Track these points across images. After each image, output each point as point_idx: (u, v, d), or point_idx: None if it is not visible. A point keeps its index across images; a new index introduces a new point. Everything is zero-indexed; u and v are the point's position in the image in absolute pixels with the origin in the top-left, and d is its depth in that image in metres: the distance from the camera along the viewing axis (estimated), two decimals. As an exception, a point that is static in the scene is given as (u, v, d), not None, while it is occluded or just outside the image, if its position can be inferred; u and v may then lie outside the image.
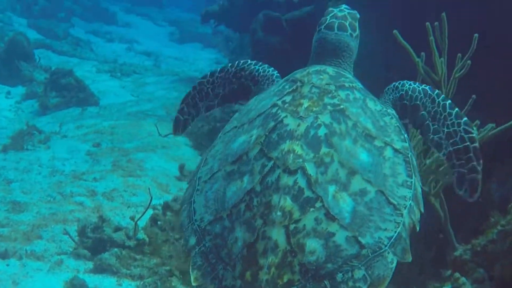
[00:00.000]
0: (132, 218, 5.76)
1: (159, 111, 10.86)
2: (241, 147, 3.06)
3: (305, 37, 9.53)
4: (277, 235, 2.71)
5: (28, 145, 8.50)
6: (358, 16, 3.61)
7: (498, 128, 4.34)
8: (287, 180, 2.80)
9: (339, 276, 2.70)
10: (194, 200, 3.12)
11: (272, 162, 2.85)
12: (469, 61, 4.44)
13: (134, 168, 7.63)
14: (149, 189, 5.97)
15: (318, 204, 2.73)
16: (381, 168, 3.00)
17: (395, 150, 3.08)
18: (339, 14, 3.58)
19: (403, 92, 3.43)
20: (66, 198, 6.86)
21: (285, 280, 2.65)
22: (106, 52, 18.76)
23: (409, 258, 2.81)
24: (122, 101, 12.14)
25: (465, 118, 3.26)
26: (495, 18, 6.36)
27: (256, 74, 3.77)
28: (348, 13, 3.60)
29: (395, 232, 2.81)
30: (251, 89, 3.76)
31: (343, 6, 3.65)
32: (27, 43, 13.83)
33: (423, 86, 3.40)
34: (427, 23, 4.33)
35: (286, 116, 3.01)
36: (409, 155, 3.11)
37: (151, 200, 5.61)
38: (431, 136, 3.40)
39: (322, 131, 2.93)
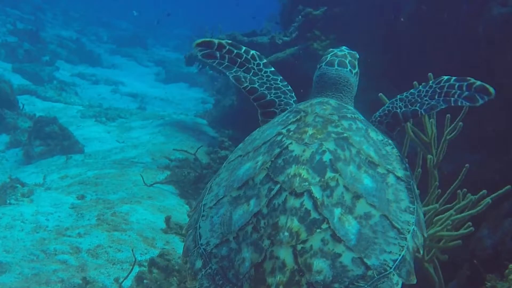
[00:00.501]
0: (116, 280, 5.59)
1: (145, 157, 10.70)
2: (246, 173, 3.16)
3: (289, 80, 9.42)
4: (285, 254, 2.76)
5: (11, 199, 8.30)
6: (357, 56, 3.84)
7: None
8: (293, 202, 2.87)
9: None
10: (199, 225, 3.17)
11: (278, 185, 2.94)
12: (461, 123, 4.38)
13: (119, 221, 7.44)
14: (132, 250, 5.81)
15: (324, 226, 2.82)
16: (385, 194, 3.07)
17: (398, 178, 3.20)
18: (339, 53, 3.80)
19: (383, 113, 3.63)
20: (50, 256, 6.65)
21: None
22: (92, 95, 18.67)
23: (413, 280, 2.85)
24: (107, 147, 11.99)
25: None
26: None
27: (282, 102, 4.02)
28: (348, 52, 3.83)
29: (400, 255, 2.86)
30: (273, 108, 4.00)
31: (343, 47, 3.90)
32: (11, 90, 13.70)
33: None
34: (430, 74, 4.26)
35: (291, 143, 3.14)
36: (411, 183, 3.24)
37: (134, 263, 5.44)
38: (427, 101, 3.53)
39: (327, 157, 3.05)
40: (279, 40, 12.15)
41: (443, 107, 3.50)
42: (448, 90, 3.48)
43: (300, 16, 11.53)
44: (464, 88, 3.42)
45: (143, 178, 8.58)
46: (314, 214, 2.86)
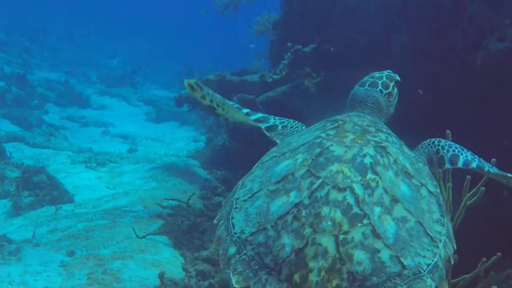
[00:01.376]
0: None
1: (137, 206, 10.32)
2: (285, 169, 3.31)
3: None
4: (327, 242, 2.85)
5: (-3, 258, 7.90)
6: (396, 77, 4.14)
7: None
8: (336, 195, 3.01)
9: None
10: (232, 216, 3.25)
11: (321, 180, 3.10)
12: (483, 188, 4.12)
13: (110, 280, 7.07)
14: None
15: (365, 221, 2.95)
16: (419, 203, 3.19)
17: (430, 192, 3.35)
18: (377, 75, 4.13)
19: (441, 146, 3.79)
20: (38, 321, 6.27)
21: (334, 284, 2.77)
22: (82, 138, 18.30)
23: (445, 285, 2.92)
24: (97, 195, 11.61)
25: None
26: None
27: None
28: (386, 75, 4.14)
29: (433, 261, 2.95)
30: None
31: (386, 71, 4.19)
32: (-2, 140, 13.39)
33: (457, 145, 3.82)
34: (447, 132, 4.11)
35: (332, 145, 3.34)
36: (440, 199, 3.38)
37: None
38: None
39: (368, 160, 3.23)
40: (269, 79, 11.90)
41: (492, 171, 3.71)
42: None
43: (289, 53, 11.27)
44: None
45: (134, 231, 8.20)
46: (356, 209, 2.99)
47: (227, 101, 4.15)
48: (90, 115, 21.93)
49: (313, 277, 2.80)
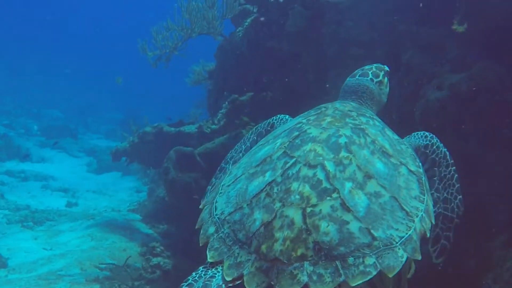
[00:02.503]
0: None
1: (73, 269, 9.66)
2: (265, 153, 3.42)
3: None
4: (294, 214, 2.89)
5: None
6: (386, 68, 4.25)
7: None
8: (307, 171, 3.06)
9: (350, 259, 2.77)
10: (216, 201, 3.34)
11: (294, 159, 3.17)
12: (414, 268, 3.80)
13: None
14: None
15: (335, 195, 2.97)
16: (396, 180, 3.19)
17: (410, 171, 3.34)
18: (367, 67, 4.21)
19: (430, 144, 3.86)
20: None
21: (298, 253, 2.78)
22: (21, 194, 17.40)
23: (418, 256, 2.92)
24: (33, 258, 10.85)
25: (460, 196, 3.75)
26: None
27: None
28: (375, 66, 4.24)
29: (407, 233, 2.93)
30: None
31: (376, 63, 4.30)
32: None
33: (446, 149, 3.84)
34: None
35: (309, 128, 3.43)
36: (423, 178, 3.38)
37: None
38: (433, 191, 3.69)
39: (342, 140, 3.28)
40: (207, 129, 11.48)
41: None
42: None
43: (226, 103, 10.89)
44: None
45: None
46: (325, 184, 3.02)
47: None
48: (30, 168, 20.99)
49: (277, 246, 2.84)
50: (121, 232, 11.85)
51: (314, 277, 2.75)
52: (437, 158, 3.83)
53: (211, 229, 3.17)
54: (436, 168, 3.81)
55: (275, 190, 3.07)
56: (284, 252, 2.83)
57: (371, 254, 2.81)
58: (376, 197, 3.04)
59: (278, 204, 2.99)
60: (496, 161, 5.96)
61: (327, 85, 7.76)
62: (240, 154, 4.44)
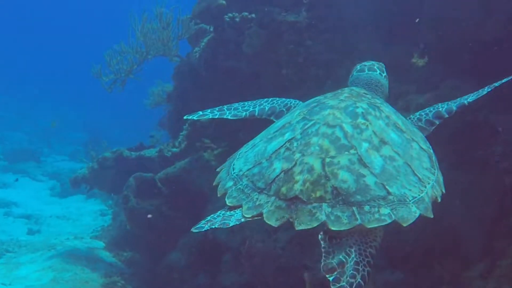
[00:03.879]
0: None
1: (32, 308, 8.92)
2: (283, 121, 3.50)
3: (185, 198, 7.78)
4: (314, 162, 3.00)
5: None
6: (383, 65, 4.29)
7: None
8: (326, 129, 3.16)
9: (366, 207, 2.85)
10: (233, 163, 3.43)
11: (313, 121, 3.26)
12: None
13: None
14: None
15: (352, 151, 3.06)
16: (409, 151, 3.23)
17: (421, 148, 3.40)
18: (367, 63, 4.22)
19: (431, 108, 4.00)
20: None
21: (317, 195, 2.88)
22: (-19, 224, 16.51)
23: (431, 215, 2.98)
24: (-10, 298, 10.09)
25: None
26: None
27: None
28: (375, 62, 4.26)
29: (419, 195, 2.99)
30: None
31: (371, 61, 4.28)
32: None
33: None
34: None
35: (327, 100, 3.49)
36: (433, 157, 3.45)
37: None
38: None
39: (359, 110, 3.34)
40: (167, 153, 10.90)
41: (440, 119, 3.89)
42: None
43: (187, 125, 10.31)
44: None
45: None
46: (344, 141, 3.10)
47: None
48: (-9, 195, 20.07)
49: (297, 187, 2.91)
50: (83, 263, 11.12)
51: (332, 217, 2.82)
52: (439, 108, 4.01)
53: (229, 183, 3.23)
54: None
55: (295, 144, 3.15)
56: (304, 192, 2.89)
57: (386, 205, 2.88)
58: (391, 160, 3.09)
59: (298, 155, 3.06)
60: (470, 185, 5.54)
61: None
62: None
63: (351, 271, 2.77)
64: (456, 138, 5.49)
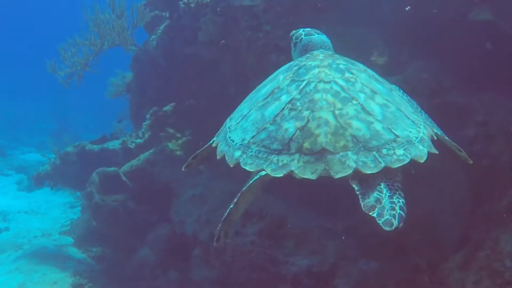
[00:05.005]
0: None
1: (-2, 316, 8.42)
2: (270, 88, 3.47)
3: (151, 191, 7.38)
4: (326, 115, 3.03)
5: None
6: None
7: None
8: (324, 85, 3.23)
9: (384, 151, 2.96)
10: (229, 136, 3.33)
11: (306, 81, 3.30)
12: None
13: None
14: None
15: (354, 102, 3.16)
16: (395, 98, 3.42)
17: (399, 95, 3.62)
18: (305, 29, 4.16)
19: None
20: None
21: (341, 144, 2.93)
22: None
23: (435, 150, 3.15)
24: (-43, 304, 9.55)
25: None
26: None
27: None
28: (306, 28, 4.22)
29: (419, 135, 3.14)
30: None
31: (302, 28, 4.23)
32: None
33: None
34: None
35: (308, 61, 3.52)
36: (412, 101, 3.71)
37: None
38: None
39: (342, 65, 3.44)
40: (131, 144, 10.39)
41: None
42: None
43: (149, 115, 9.80)
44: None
45: None
46: (343, 94, 3.18)
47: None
48: (-45, 194, 19.30)
49: (321, 139, 2.93)
50: (51, 262, 10.61)
51: (360, 163, 2.88)
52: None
53: (237, 153, 3.14)
54: None
55: (298, 104, 3.14)
56: (329, 143, 2.92)
57: (398, 147, 2.98)
58: (386, 107, 3.20)
59: (306, 112, 3.07)
60: (444, 170, 5.21)
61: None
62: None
63: (389, 205, 2.86)
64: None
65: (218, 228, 3.27)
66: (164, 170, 9.21)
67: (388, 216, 2.81)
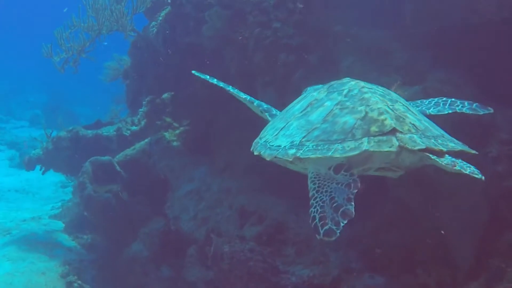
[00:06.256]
0: None
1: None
2: (305, 103, 3.53)
3: (145, 183, 7.08)
4: (384, 106, 3.18)
5: None
6: None
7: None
8: (368, 89, 3.37)
9: (439, 140, 3.10)
10: (270, 145, 3.41)
11: (347, 89, 3.40)
12: None
13: None
14: None
15: (399, 103, 3.33)
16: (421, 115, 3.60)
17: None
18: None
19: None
20: None
21: (406, 128, 3.08)
22: None
23: (472, 150, 3.29)
24: None
25: None
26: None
27: None
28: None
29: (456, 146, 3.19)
30: None
31: None
32: None
33: None
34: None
35: (334, 82, 3.70)
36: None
37: None
38: None
39: (367, 83, 3.59)
40: (126, 131, 9.95)
41: (449, 112, 3.91)
42: (453, 101, 3.98)
43: (146, 101, 9.35)
44: (466, 104, 3.97)
45: None
46: (388, 97, 3.35)
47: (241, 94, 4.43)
48: None
49: (389, 121, 3.04)
50: (40, 249, 10.17)
51: (431, 144, 3.00)
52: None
53: (291, 151, 3.14)
54: None
55: (348, 103, 3.21)
56: (397, 125, 3.02)
57: (448, 141, 3.12)
58: (419, 115, 3.39)
59: (362, 107, 3.13)
60: (459, 188, 4.83)
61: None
62: None
63: (462, 162, 3.08)
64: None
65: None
66: (160, 161, 8.79)
67: (472, 169, 3.07)
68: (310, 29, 5.97)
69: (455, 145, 3.17)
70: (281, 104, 5.70)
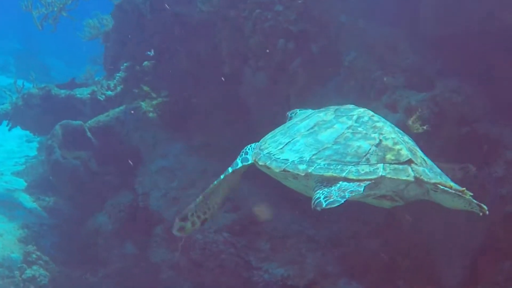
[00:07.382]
0: None
1: None
2: (312, 122, 3.47)
3: (116, 153, 6.51)
4: (397, 137, 3.14)
5: None
6: None
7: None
8: (378, 118, 3.32)
9: (443, 177, 3.04)
10: (276, 157, 3.29)
11: (356, 115, 3.35)
12: None
13: None
14: None
15: (407, 138, 3.33)
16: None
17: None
18: None
19: None
20: None
21: (418, 161, 3.04)
22: None
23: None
24: None
25: None
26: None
27: None
28: None
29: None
30: None
31: None
32: None
33: None
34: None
35: (340, 106, 3.62)
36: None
37: None
38: None
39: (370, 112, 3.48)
40: (101, 96, 9.35)
41: None
42: None
43: (124, 66, 8.79)
44: None
45: None
46: (396, 129, 3.30)
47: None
48: None
49: (405, 152, 3.01)
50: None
51: (438, 178, 2.97)
52: None
53: (302, 166, 3.09)
54: None
55: (360, 129, 3.19)
56: (412, 156, 3.00)
57: (448, 179, 3.03)
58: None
59: (375, 134, 3.13)
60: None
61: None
62: None
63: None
64: (449, 152, 4.35)
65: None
66: (134, 132, 8.29)
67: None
68: (314, 16, 5.51)
69: (457, 185, 3.07)
70: (270, 91, 5.24)
